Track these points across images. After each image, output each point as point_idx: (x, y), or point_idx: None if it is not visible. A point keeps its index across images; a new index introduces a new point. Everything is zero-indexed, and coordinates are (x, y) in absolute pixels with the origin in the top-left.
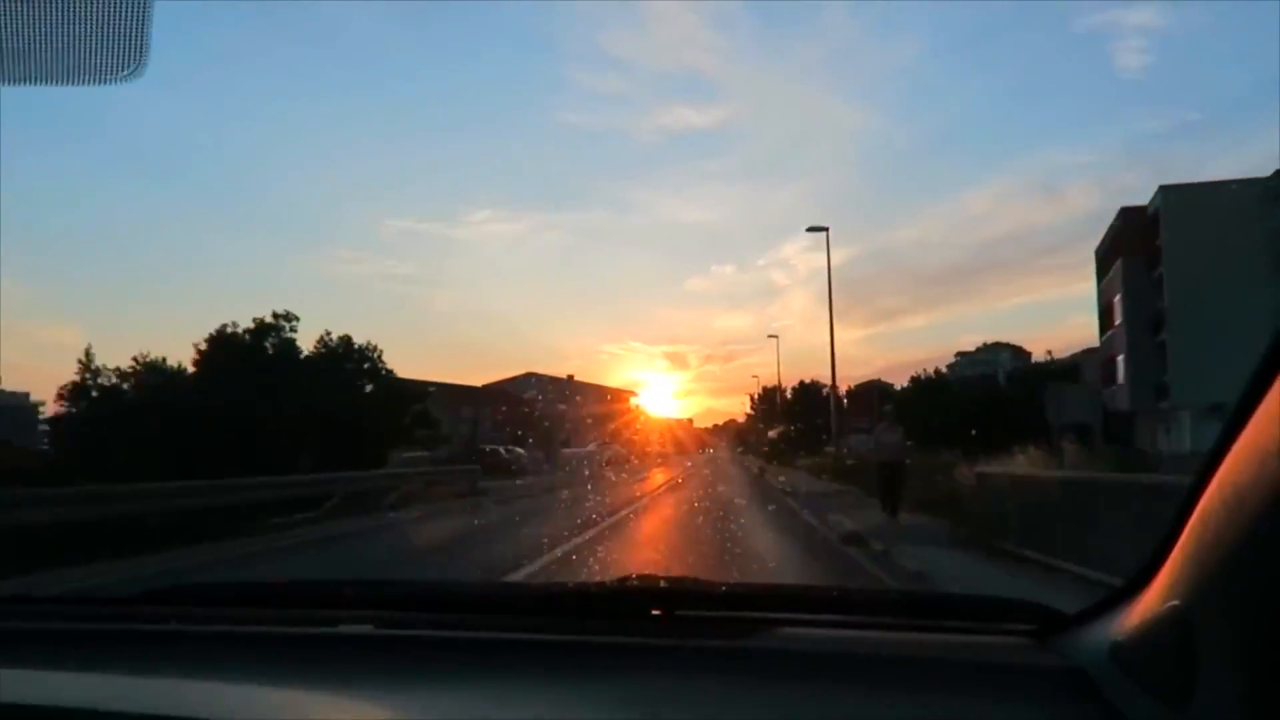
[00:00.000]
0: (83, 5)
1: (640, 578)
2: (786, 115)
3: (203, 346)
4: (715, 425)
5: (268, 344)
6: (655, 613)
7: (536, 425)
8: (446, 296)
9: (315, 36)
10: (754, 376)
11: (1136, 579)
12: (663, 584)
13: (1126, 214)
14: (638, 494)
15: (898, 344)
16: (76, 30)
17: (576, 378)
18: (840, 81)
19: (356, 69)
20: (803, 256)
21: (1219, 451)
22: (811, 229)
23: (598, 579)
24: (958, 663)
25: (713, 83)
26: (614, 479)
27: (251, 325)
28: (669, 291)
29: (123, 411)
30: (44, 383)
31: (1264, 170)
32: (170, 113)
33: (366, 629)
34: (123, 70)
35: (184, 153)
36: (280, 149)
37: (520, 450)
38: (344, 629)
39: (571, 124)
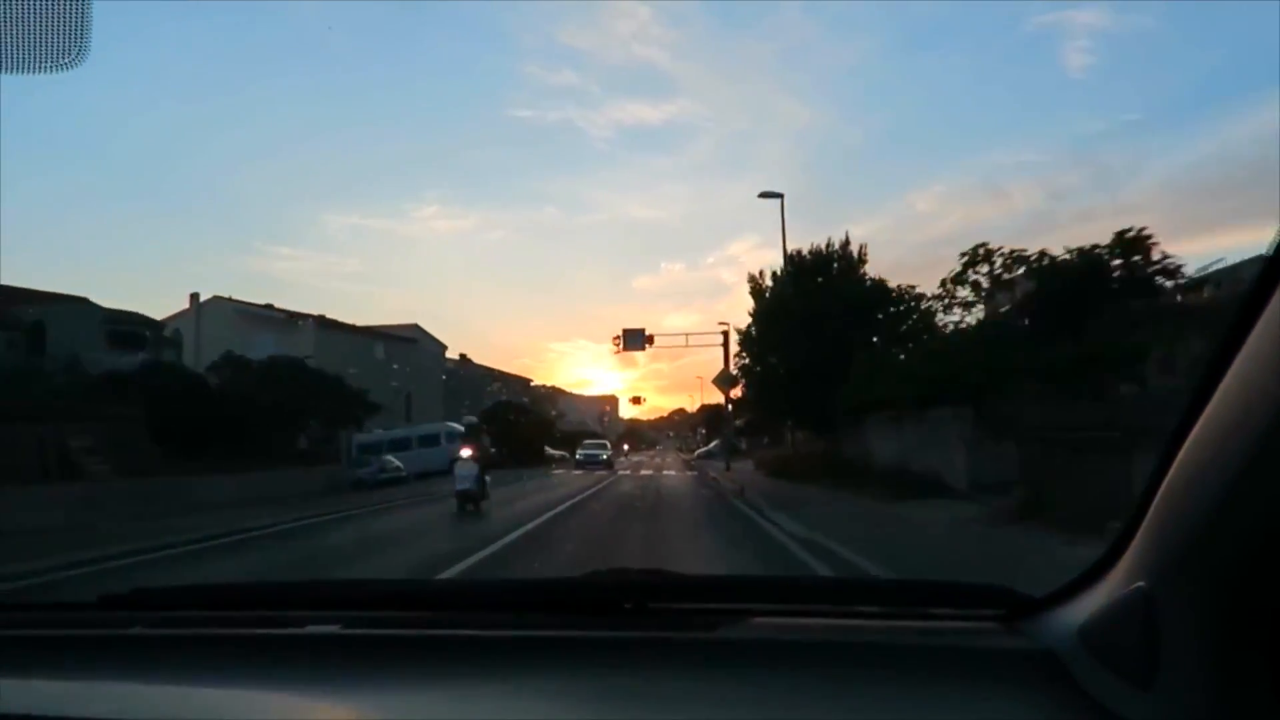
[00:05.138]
0: None
1: (611, 571)
2: (738, 113)
3: None
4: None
5: None
6: (627, 605)
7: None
8: (393, 295)
9: (258, 27)
10: (698, 377)
11: (1103, 561)
12: (634, 576)
13: None
14: None
15: None
16: (16, 18)
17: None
18: (792, 80)
19: (300, 61)
20: (751, 255)
21: (1180, 434)
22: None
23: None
24: (928, 648)
25: (666, 79)
26: None
27: None
28: (618, 289)
29: None
30: None
31: (1204, 167)
32: (104, 102)
33: (334, 629)
34: (64, 58)
35: (117, 143)
36: (217, 141)
37: None
38: (311, 629)
39: (523, 119)
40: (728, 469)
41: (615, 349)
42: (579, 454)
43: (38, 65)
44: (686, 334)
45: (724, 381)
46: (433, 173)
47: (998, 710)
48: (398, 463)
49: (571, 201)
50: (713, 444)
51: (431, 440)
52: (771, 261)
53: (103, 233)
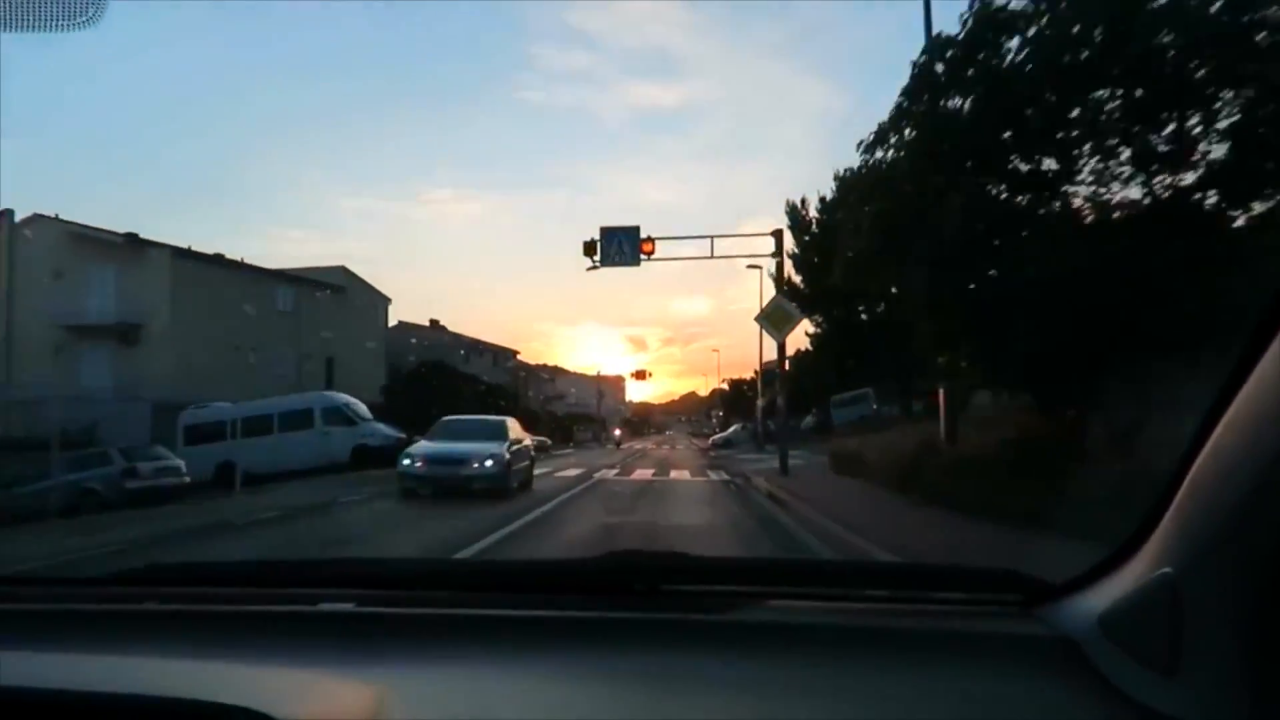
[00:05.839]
0: None
1: (624, 552)
2: (753, 94)
3: None
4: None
5: None
6: (639, 587)
7: None
8: (404, 277)
9: (268, 9)
10: (714, 350)
11: (1125, 547)
12: (648, 558)
13: None
14: None
15: None
16: None
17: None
18: (807, 60)
19: (312, 44)
20: (765, 238)
21: (1211, 418)
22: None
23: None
24: (946, 634)
25: (680, 60)
26: None
27: None
28: (628, 273)
29: None
30: None
31: None
32: (109, 79)
33: (348, 607)
34: (81, 16)
35: (122, 125)
36: (228, 125)
37: None
38: (324, 607)
39: (535, 102)
40: (784, 471)
41: (592, 264)
42: (404, 462)
43: (54, 23)
44: (711, 237)
45: (776, 319)
46: (445, 156)
47: (1016, 696)
48: (173, 460)
49: (583, 184)
50: (732, 429)
51: (298, 419)
52: (787, 245)
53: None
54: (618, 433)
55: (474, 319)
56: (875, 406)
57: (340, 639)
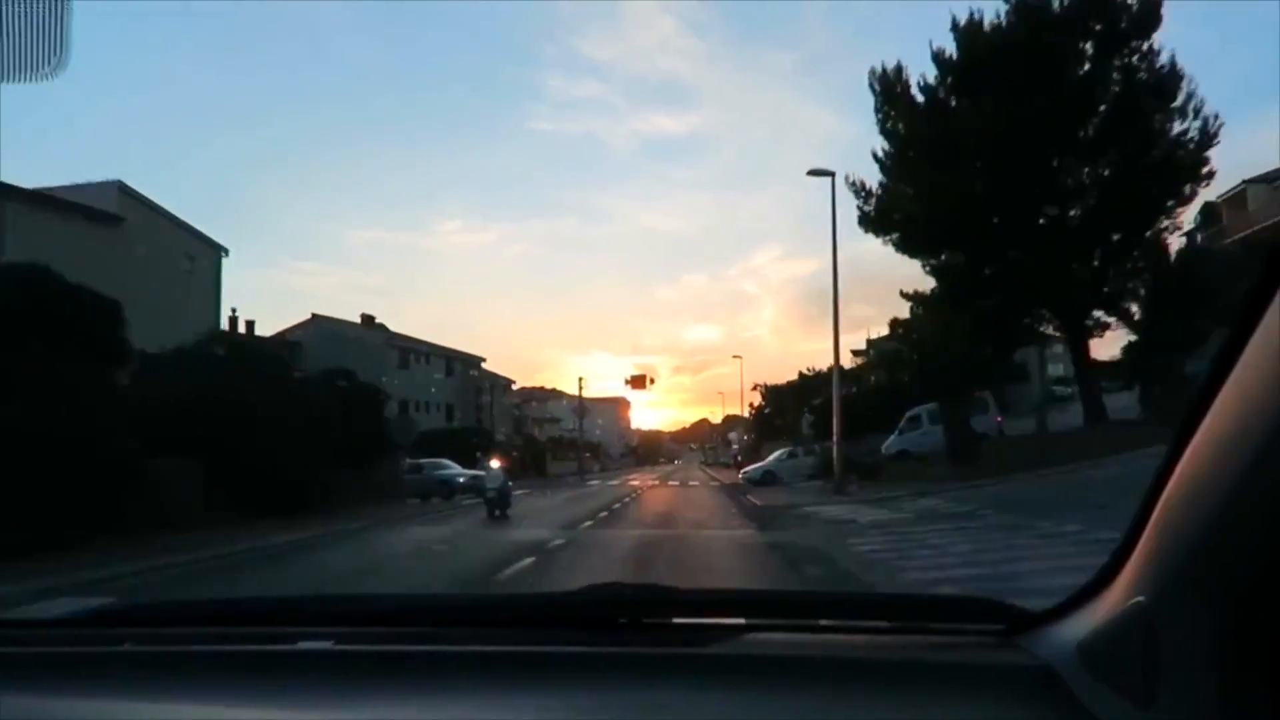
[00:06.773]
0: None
1: (606, 585)
2: (761, 122)
3: None
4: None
5: None
6: (622, 620)
7: None
8: (414, 307)
9: (278, 40)
10: (736, 356)
11: (1102, 575)
12: (629, 591)
13: None
14: None
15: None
16: None
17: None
18: (815, 88)
19: (320, 75)
20: (774, 266)
21: (1179, 445)
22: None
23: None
24: (927, 664)
25: (688, 89)
26: None
27: None
28: (638, 302)
29: None
30: None
31: (1232, 178)
32: (123, 115)
33: (327, 645)
34: (45, 66)
35: (139, 155)
36: (238, 158)
37: None
38: (304, 646)
39: (544, 131)
40: None
41: None
42: None
43: (18, 74)
44: None
45: None
46: (455, 187)
47: None
48: None
49: (592, 213)
50: (774, 455)
51: None
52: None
53: None
54: (496, 463)
55: (481, 345)
56: (999, 417)
57: (320, 678)
